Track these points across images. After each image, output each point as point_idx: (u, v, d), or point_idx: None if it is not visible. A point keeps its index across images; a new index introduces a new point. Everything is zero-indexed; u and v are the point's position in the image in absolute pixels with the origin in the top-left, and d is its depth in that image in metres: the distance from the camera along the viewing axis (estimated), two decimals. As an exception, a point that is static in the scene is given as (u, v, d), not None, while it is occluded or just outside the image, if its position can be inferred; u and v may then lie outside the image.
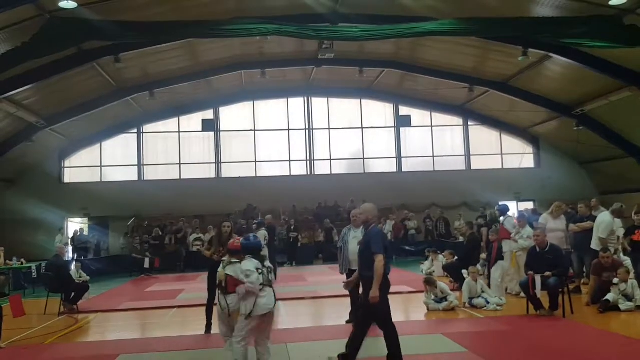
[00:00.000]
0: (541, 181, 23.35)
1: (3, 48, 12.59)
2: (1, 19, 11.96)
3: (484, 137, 25.10)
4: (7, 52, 12.62)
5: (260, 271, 5.68)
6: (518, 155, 25.12)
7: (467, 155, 24.96)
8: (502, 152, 25.08)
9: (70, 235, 20.98)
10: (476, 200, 22.66)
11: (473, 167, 24.81)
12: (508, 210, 11.29)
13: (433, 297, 9.96)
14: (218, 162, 23.60)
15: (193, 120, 23.52)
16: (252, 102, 23.80)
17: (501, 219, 11.15)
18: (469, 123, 24.97)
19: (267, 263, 5.91)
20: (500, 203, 11.51)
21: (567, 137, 22.23)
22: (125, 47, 15.47)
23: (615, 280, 9.19)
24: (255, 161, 23.71)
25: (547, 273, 8.64)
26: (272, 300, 5.72)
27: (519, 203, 23.40)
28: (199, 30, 13.74)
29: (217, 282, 6.02)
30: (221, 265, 6.11)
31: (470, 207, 23.01)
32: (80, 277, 13.54)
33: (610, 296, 9.06)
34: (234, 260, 5.99)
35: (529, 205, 21.74)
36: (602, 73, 16.53)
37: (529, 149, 25.10)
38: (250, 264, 5.71)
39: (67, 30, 12.77)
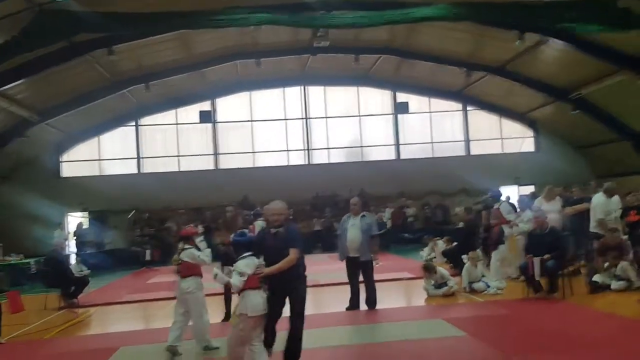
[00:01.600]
0: (541, 165, 23.28)
1: (-7, 42, 12.45)
2: (-10, 13, 11.82)
3: (484, 122, 24.94)
4: (-3, 46, 12.52)
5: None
6: (518, 139, 25.03)
7: (467, 140, 24.86)
8: (502, 136, 24.98)
9: (73, 229, 20.99)
10: (476, 186, 22.59)
11: (472, 152, 24.70)
12: (501, 195, 11.23)
13: (432, 282, 9.96)
14: (216, 154, 23.51)
15: (190, 112, 23.39)
16: (248, 93, 23.64)
17: (496, 205, 11.08)
18: (468, 108, 24.82)
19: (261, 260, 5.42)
20: (493, 189, 11.42)
21: (564, 122, 22.15)
22: (118, 39, 15.27)
23: (606, 265, 9.21)
24: (253, 152, 23.62)
25: (546, 256, 8.64)
26: (259, 305, 5.19)
27: (519, 187, 23.36)
28: (191, 20, 13.58)
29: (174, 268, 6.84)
30: (176, 253, 6.82)
31: (469, 193, 22.92)
32: (81, 271, 13.52)
33: (598, 277, 9.09)
34: (187, 246, 6.73)
35: (529, 189, 21.69)
36: (596, 57, 16.39)
37: (529, 133, 25.00)
38: (245, 262, 5.23)
39: (57, 23, 12.61)
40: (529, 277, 8.89)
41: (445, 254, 12.89)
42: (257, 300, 5.16)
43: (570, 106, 20.46)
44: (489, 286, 9.80)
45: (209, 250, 7.08)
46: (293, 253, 5.50)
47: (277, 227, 5.66)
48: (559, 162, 22.69)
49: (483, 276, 10.04)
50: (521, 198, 12.90)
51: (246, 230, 6.04)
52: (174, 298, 11.06)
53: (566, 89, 19.85)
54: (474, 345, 6.52)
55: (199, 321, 6.73)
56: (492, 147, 24.61)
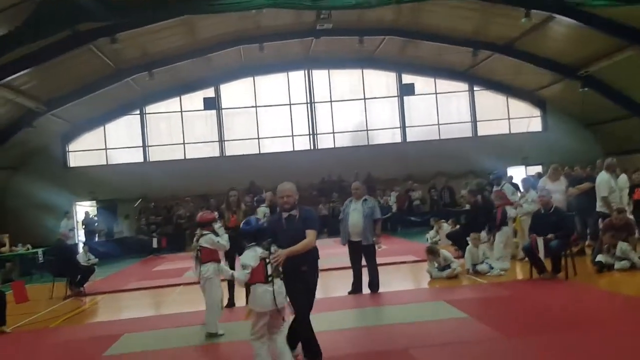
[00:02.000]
0: (549, 145, 23.03)
1: (-4, 33, 12.48)
2: (-8, 5, 11.82)
3: (491, 102, 24.70)
4: (0, 37, 12.54)
5: (267, 261, 4.76)
6: (525, 119, 24.75)
7: (474, 121, 24.64)
8: (509, 116, 24.72)
9: (81, 218, 21.19)
10: (483, 167, 22.41)
11: (480, 133, 24.50)
12: (502, 177, 11.05)
13: (436, 265, 9.92)
14: (221, 141, 23.52)
15: (195, 99, 23.38)
16: (252, 78, 23.57)
17: (496, 188, 10.96)
18: (475, 88, 24.57)
19: (274, 248, 4.88)
20: (496, 170, 11.23)
21: (573, 100, 21.84)
22: (120, 27, 15.26)
23: (605, 246, 9.11)
24: (258, 138, 23.59)
25: (550, 235, 8.55)
26: (267, 301, 4.71)
27: (527, 168, 23.17)
28: (191, 6, 13.53)
29: (193, 254, 6.91)
30: (195, 239, 6.93)
31: (477, 175, 22.74)
32: (88, 259, 13.66)
33: (601, 257, 9.00)
34: (204, 232, 6.81)
35: (537, 169, 21.51)
36: (605, 32, 16.14)
37: (536, 112, 24.72)
38: (250, 254, 4.80)
39: (59, 13, 12.64)
40: (532, 258, 8.82)
41: (449, 236, 12.81)
42: (263, 295, 4.70)
43: (578, 83, 20.19)
44: (492, 268, 9.74)
45: (227, 235, 7.10)
46: (311, 235, 5.14)
47: (288, 210, 5.27)
48: (567, 141, 22.47)
49: (487, 258, 9.98)
50: (526, 178, 12.77)
51: (254, 218, 5.32)
52: (178, 285, 11.30)
53: (574, 66, 19.57)
54: (475, 326, 6.48)
55: (212, 306, 6.80)
56: (500, 128, 24.40)
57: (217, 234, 6.90)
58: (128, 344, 6.92)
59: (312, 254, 5.25)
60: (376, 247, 8.91)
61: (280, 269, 4.84)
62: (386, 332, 6.61)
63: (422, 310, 7.47)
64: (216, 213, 8.07)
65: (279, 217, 5.42)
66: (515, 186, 11.19)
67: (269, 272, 4.77)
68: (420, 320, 6.97)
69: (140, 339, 7.14)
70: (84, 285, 11.16)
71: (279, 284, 4.80)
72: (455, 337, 6.13)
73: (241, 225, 5.11)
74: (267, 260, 4.78)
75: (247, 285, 4.99)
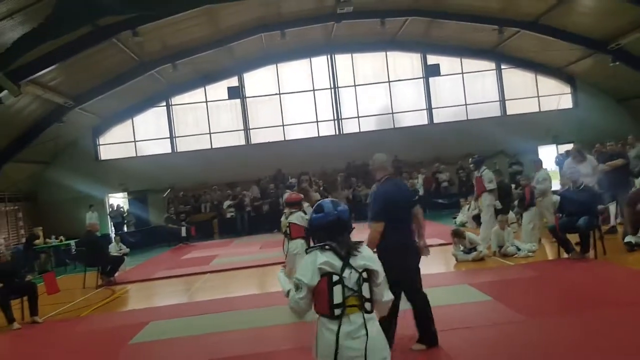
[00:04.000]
0: (580, 122, 22.39)
1: (20, 31, 12.73)
2: (15, 2, 12.04)
3: (519, 80, 24.11)
4: (25, 35, 12.78)
5: (337, 278, 2.82)
6: (555, 96, 24.08)
7: (502, 100, 24.11)
8: (539, 94, 24.09)
9: (108, 211, 21.77)
10: (513, 146, 21.99)
11: (508, 112, 23.98)
12: (483, 162, 10.78)
13: (462, 248, 9.80)
14: (246, 129, 23.62)
15: (219, 89, 23.51)
16: (275, 66, 23.51)
17: (475, 173, 10.61)
18: (502, 67, 24.01)
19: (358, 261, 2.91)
20: (476, 155, 10.87)
21: (604, 74, 21.13)
22: (141, 20, 15.40)
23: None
24: (283, 125, 23.60)
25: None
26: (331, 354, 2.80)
27: (558, 146, 22.60)
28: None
29: (283, 230, 7.44)
30: (283, 216, 7.56)
31: (506, 155, 22.37)
32: (120, 249, 14.01)
33: (630, 238, 8.70)
34: (293, 210, 7.35)
35: (568, 147, 20.97)
36: (635, 3, 15.46)
37: (566, 89, 24.02)
38: (307, 263, 2.92)
39: (80, 8, 12.79)
40: (559, 238, 8.62)
41: (475, 218, 12.63)
42: (328, 342, 2.82)
43: (609, 57, 19.50)
44: (519, 249, 9.57)
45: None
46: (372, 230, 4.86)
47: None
48: (598, 117, 21.79)
49: (513, 239, 9.80)
50: (537, 160, 12.25)
51: (329, 202, 3.14)
52: (205, 273, 11.48)
53: (604, 39, 18.88)
54: (497, 308, 6.40)
55: None
56: (529, 106, 23.81)
57: (305, 212, 7.31)
58: (154, 331, 7.07)
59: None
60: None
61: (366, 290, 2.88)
62: (408, 316, 6.56)
63: (445, 294, 7.38)
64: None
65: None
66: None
67: (339, 298, 2.81)
68: (443, 303, 6.87)
69: (166, 326, 7.28)
70: (115, 275, 11.43)
71: (369, 325, 2.83)
72: (477, 320, 6.07)
73: (311, 214, 3.15)
74: (337, 276, 2.82)
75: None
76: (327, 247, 2.92)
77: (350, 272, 2.86)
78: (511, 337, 5.35)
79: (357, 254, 2.92)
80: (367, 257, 2.95)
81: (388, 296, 3.00)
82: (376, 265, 2.96)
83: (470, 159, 10.98)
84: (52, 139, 20.06)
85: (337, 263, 2.87)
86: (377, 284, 2.93)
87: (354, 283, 2.85)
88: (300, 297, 2.89)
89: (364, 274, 2.89)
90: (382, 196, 5.04)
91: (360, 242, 3.01)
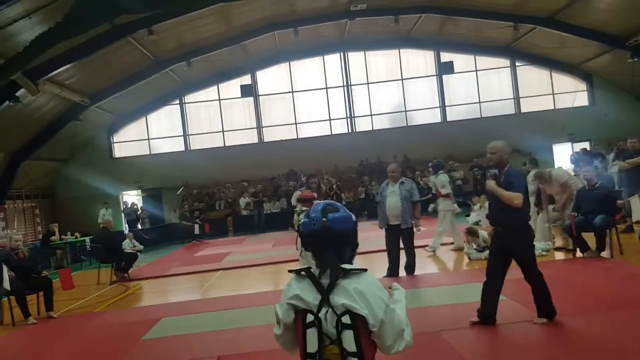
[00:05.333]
0: (596, 119, 22.11)
1: (38, 30, 12.88)
2: (32, 2, 12.19)
3: (534, 78, 23.92)
4: (43, 34, 12.92)
5: (311, 319, 2.10)
6: (571, 93, 23.82)
7: (516, 98, 23.92)
8: (554, 91, 23.85)
9: (122, 208, 21.97)
10: (528, 144, 21.77)
11: (523, 110, 23.78)
12: (442, 167, 10.65)
13: (475, 247, 9.73)
14: (259, 127, 23.70)
15: (232, 87, 23.63)
16: (287, 64, 23.57)
17: (432, 177, 10.52)
18: (517, 64, 23.81)
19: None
20: (435, 160, 10.83)
21: (622, 71, 20.84)
22: (157, 18, 15.52)
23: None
24: (296, 123, 23.63)
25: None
26: None
27: (573, 144, 22.35)
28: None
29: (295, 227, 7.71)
30: (296, 214, 7.94)
31: (521, 153, 22.10)
32: (134, 246, 14.10)
33: (647, 236, 8.60)
34: (304, 207, 7.44)
35: (584, 146, 20.74)
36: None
37: (582, 86, 23.74)
38: (285, 295, 2.25)
39: (97, 7, 12.91)
40: (574, 237, 8.52)
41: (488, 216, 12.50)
42: None
43: (627, 54, 19.23)
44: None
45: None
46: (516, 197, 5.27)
47: (494, 168, 5.53)
48: (616, 115, 21.52)
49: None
50: (532, 158, 12.07)
51: (322, 205, 2.34)
52: (218, 270, 11.54)
53: (622, 35, 18.66)
54: (510, 307, 6.34)
55: None
56: (544, 104, 23.57)
57: None
58: (166, 327, 7.11)
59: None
60: (415, 230, 8.79)
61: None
62: (419, 315, 6.52)
63: (457, 293, 7.35)
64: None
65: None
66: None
67: (313, 347, 2.08)
68: (454, 302, 6.87)
69: (179, 322, 7.32)
70: (128, 271, 11.54)
71: None
72: (490, 319, 5.99)
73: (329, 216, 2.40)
74: (312, 316, 2.10)
75: None
76: (303, 273, 2.18)
77: (327, 312, 2.07)
78: (522, 336, 5.31)
79: (340, 286, 2.06)
80: (355, 293, 2.05)
81: (400, 346, 2.12)
82: (366, 306, 2.04)
83: (429, 164, 11.08)
84: (69, 137, 20.32)
85: (313, 297, 2.09)
86: (375, 334, 2.07)
87: (333, 327, 2.06)
88: (278, 335, 2.23)
89: (344, 318, 2.04)
90: (523, 177, 5.84)
91: (357, 270, 2.12)
